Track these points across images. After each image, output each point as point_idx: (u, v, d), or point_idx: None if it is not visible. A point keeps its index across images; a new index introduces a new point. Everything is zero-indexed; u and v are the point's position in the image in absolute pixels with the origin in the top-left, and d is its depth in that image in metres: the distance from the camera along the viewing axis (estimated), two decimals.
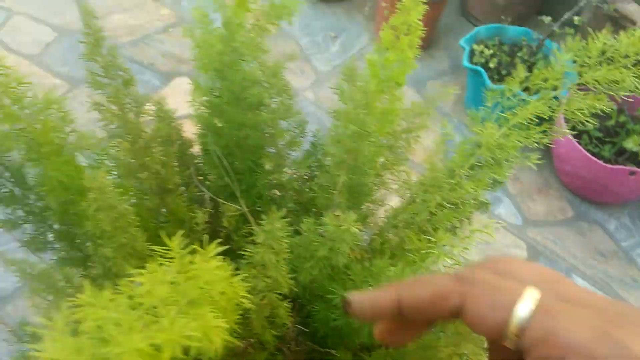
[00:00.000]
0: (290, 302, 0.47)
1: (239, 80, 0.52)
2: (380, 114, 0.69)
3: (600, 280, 1.23)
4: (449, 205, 0.58)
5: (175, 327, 0.31)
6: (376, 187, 0.59)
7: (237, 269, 0.41)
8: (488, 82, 1.36)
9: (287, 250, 0.44)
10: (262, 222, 0.44)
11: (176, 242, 0.34)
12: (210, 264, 0.36)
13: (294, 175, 0.57)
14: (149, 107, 0.55)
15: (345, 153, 0.53)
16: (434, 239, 0.55)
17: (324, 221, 0.46)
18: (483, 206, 0.59)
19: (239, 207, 0.55)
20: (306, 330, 0.53)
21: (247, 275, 0.43)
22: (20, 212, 0.51)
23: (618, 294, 1.21)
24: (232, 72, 0.53)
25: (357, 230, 0.44)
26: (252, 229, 0.56)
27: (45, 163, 0.43)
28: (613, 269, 1.25)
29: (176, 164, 0.56)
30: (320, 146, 0.59)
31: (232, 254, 0.59)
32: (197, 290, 0.35)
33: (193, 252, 0.35)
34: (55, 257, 0.53)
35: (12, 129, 0.41)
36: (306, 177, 0.57)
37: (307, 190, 0.57)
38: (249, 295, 0.37)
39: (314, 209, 0.56)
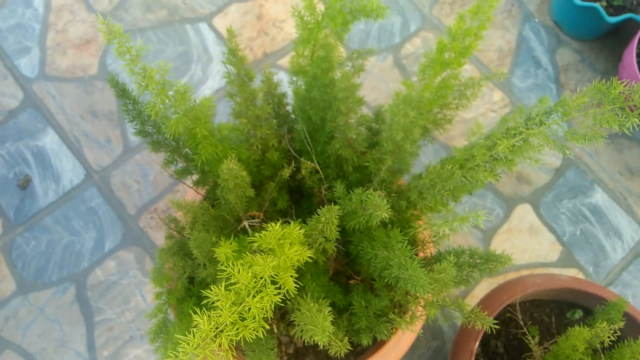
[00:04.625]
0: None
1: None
2: (436, 88, 0.88)
3: (619, 194, 1.42)
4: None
5: (289, 253, 0.60)
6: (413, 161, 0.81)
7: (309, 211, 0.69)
8: None
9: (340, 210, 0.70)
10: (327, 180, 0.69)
11: (278, 225, 0.62)
12: (294, 230, 0.64)
13: (355, 145, 0.80)
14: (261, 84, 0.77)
15: (393, 146, 0.74)
16: (444, 208, 0.79)
17: (367, 198, 0.71)
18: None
19: (312, 164, 0.80)
20: (345, 251, 0.82)
21: (309, 229, 0.70)
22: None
23: (632, 208, 1.41)
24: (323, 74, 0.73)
25: (386, 215, 0.68)
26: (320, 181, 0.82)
27: (202, 143, 0.69)
28: (635, 185, 1.43)
29: (275, 126, 0.80)
30: (377, 127, 0.80)
31: (305, 196, 0.87)
32: (292, 239, 0.63)
33: (285, 223, 0.63)
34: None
35: (185, 120, 0.66)
36: (362, 151, 0.80)
37: (364, 159, 0.80)
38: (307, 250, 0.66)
39: (365, 174, 0.80)
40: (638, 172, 1.44)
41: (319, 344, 0.87)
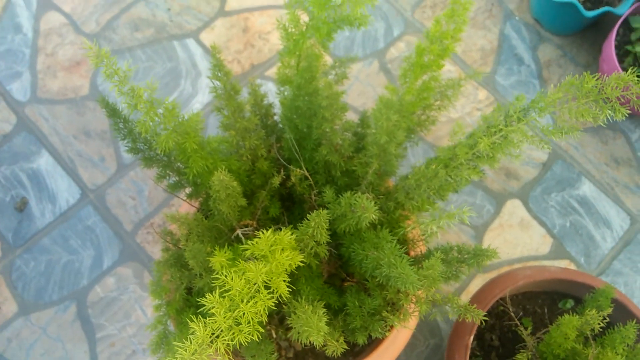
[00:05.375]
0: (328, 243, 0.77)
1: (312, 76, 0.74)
2: (417, 90, 0.90)
3: (607, 185, 1.44)
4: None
5: (281, 258, 0.62)
6: (399, 164, 0.84)
7: (301, 217, 0.71)
8: None
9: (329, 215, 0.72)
10: (317, 185, 0.71)
11: (269, 232, 0.64)
12: (285, 236, 0.66)
13: (342, 151, 0.82)
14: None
15: (378, 150, 0.77)
16: (430, 207, 0.81)
17: (356, 202, 0.73)
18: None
19: (301, 171, 0.82)
20: (337, 254, 0.84)
21: (300, 235, 0.72)
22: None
23: (619, 198, 1.43)
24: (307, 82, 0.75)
25: (374, 216, 0.71)
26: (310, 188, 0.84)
27: (192, 157, 0.71)
28: (622, 175, 1.45)
29: (263, 137, 0.82)
30: (362, 132, 0.83)
31: (297, 203, 0.89)
32: (283, 245, 0.65)
33: (277, 230, 0.66)
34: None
35: (174, 136, 0.68)
36: (349, 155, 0.82)
37: (351, 164, 0.82)
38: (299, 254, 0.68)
39: (353, 178, 0.82)
40: (623, 162, 1.47)
41: (316, 345, 0.89)
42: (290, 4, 0.82)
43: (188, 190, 0.90)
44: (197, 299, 0.79)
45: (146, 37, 1.54)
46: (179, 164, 0.81)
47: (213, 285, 0.61)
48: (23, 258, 1.33)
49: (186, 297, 0.86)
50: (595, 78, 0.67)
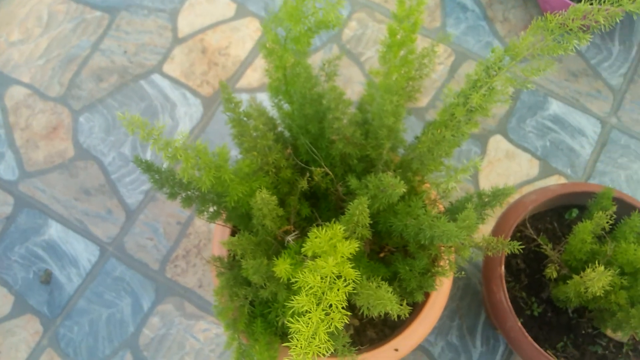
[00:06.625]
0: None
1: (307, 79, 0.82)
2: (398, 67, 0.98)
3: (572, 98, 1.57)
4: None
5: (340, 247, 0.70)
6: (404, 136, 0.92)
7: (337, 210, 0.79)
8: None
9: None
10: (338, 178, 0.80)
11: (322, 231, 0.72)
12: (338, 229, 0.74)
13: (354, 140, 0.90)
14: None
15: (387, 131, 0.85)
16: (445, 165, 0.90)
17: (381, 182, 0.81)
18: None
19: (323, 169, 0.90)
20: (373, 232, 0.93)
21: (345, 224, 0.80)
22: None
23: (585, 106, 1.56)
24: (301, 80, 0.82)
25: (404, 189, 0.79)
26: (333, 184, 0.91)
27: (230, 185, 0.78)
28: (582, 86, 1.58)
29: (281, 149, 0.89)
30: (362, 117, 0.91)
31: (321, 198, 0.96)
32: (339, 237, 0.73)
33: (327, 226, 0.73)
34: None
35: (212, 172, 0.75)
36: (361, 142, 0.90)
37: (364, 149, 0.90)
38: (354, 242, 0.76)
39: (368, 161, 0.91)
40: (580, 73, 1.59)
41: (373, 317, 0.98)
42: (266, 24, 0.89)
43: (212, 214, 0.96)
44: (264, 308, 0.86)
45: (112, 84, 1.56)
46: (213, 195, 0.87)
47: (293, 287, 0.68)
48: (65, 325, 1.37)
49: (250, 310, 0.93)
50: (556, 16, 0.76)
